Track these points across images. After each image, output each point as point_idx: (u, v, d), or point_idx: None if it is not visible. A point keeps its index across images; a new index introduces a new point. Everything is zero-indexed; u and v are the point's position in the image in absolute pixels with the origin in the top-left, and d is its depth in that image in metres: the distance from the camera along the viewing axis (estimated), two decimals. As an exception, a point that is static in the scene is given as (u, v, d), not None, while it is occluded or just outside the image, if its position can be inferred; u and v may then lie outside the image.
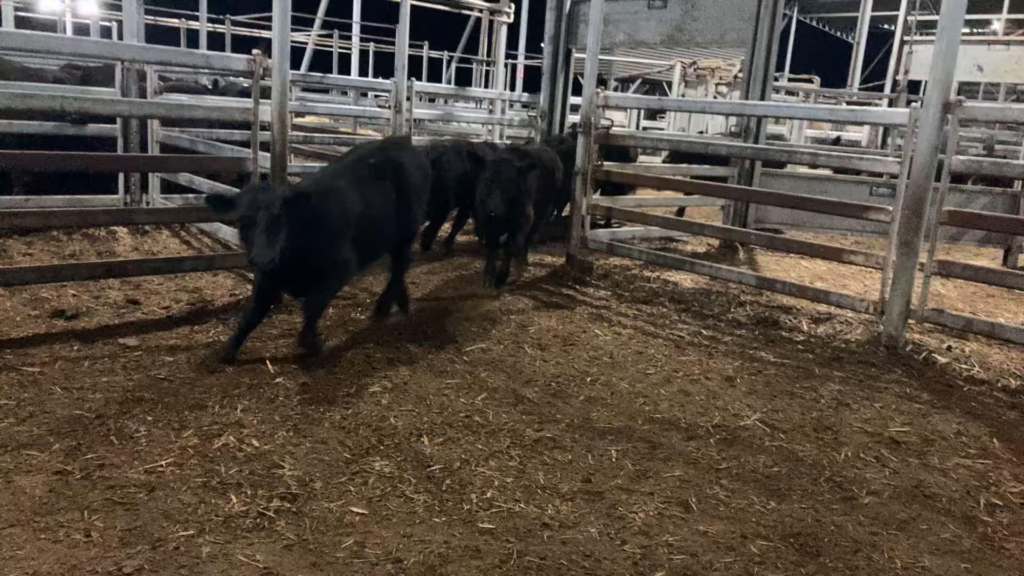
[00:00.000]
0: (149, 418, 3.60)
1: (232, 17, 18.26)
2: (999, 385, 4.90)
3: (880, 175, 8.36)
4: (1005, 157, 10.46)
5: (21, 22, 15.91)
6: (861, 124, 11.83)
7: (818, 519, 3.17)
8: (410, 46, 11.00)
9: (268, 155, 5.55)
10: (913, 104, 5.52)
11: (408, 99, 8.29)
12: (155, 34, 17.13)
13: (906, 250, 5.30)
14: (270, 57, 5.46)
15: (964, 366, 5.15)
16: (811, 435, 3.98)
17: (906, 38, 14.36)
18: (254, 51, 5.50)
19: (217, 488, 3.05)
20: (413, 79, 8.54)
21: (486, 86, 17.63)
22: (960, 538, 3.11)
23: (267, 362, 4.39)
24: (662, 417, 4.08)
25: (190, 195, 7.36)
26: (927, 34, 14.62)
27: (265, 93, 5.54)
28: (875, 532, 3.10)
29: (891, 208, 5.46)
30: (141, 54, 6.35)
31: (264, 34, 16.39)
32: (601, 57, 8.36)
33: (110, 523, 2.78)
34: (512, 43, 18.53)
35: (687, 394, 4.42)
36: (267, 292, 4.54)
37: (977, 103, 8.93)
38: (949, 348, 5.46)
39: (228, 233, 6.42)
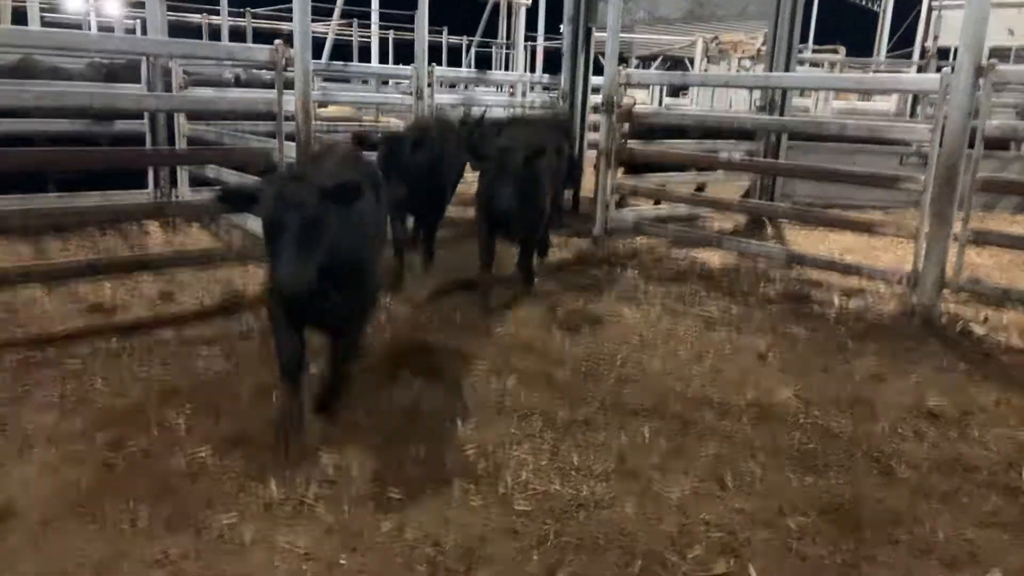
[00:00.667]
0: (188, 409, 3.66)
1: (253, 11, 18.37)
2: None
3: (909, 144, 8.19)
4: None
5: (47, 23, 16.15)
6: (890, 92, 11.57)
7: (856, 493, 3.15)
8: (429, 32, 10.97)
9: (294, 145, 5.58)
10: (944, 70, 5.37)
11: (429, 85, 8.27)
12: (177, 31, 17.27)
13: (939, 219, 5.20)
14: (292, 48, 5.49)
15: (1002, 336, 5.05)
16: (846, 410, 3.94)
17: (934, 3, 14.01)
18: (276, 42, 5.53)
19: (256, 476, 3.11)
20: (434, 65, 8.52)
21: (506, 70, 17.54)
22: (1002, 509, 3.07)
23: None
24: (694, 395, 4.06)
25: (220, 188, 7.43)
26: (956, -2, 14.20)
27: (288, 84, 5.56)
28: (915, 505, 3.07)
29: (922, 177, 5.35)
30: (166, 48, 6.43)
31: (285, 26, 16.41)
32: (622, 36, 8.27)
33: (155, 511, 2.85)
34: (531, 25, 18.42)
35: (719, 371, 4.39)
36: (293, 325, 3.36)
37: (1010, 66, 8.69)
38: (986, 318, 5.35)
39: (256, 225, 6.48)
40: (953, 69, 5.22)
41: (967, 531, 2.89)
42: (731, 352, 4.72)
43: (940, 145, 5.19)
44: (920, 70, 13.01)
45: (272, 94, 5.62)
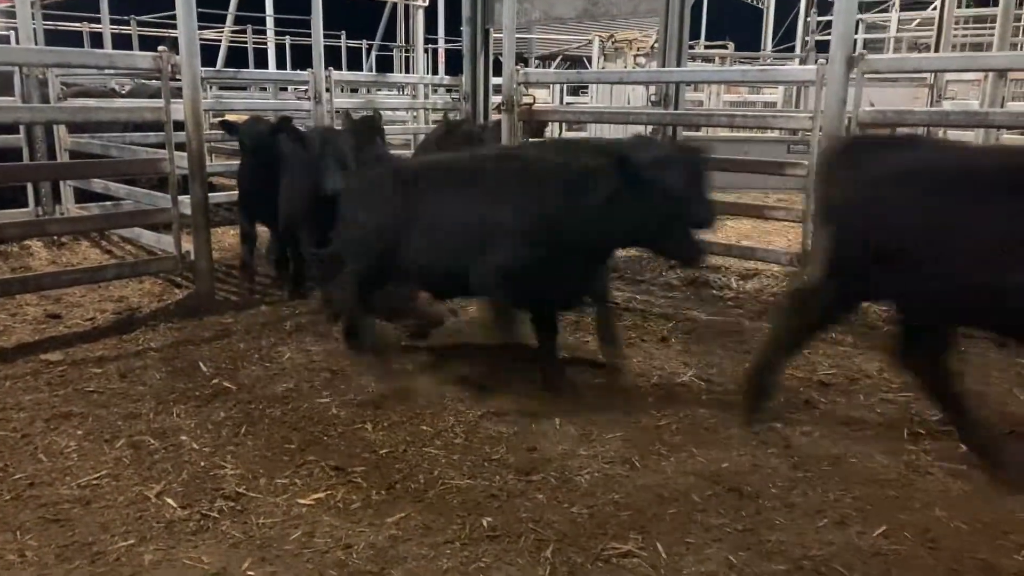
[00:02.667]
0: (79, 432, 3.48)
1: (138, 17, 17.56)
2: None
3: (795, 132, 8.62)
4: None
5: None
6: (772, 84, 12.16)
7: (755, 463, 3.29)
8: (327, 36, 10.75)
9: (185, 155, 5.39)
10: (819, 61, 5.68)
11: (328, 90, 8.13)
12: (58, 40, 16.33)
13: (823, 202, 5.49)
14: (178, 54, 5.29)
15: (883, 307, 5.38)
16: (745, 386, 4.11)
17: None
18: (160, 48, 5.32)
19: (156, 495, 2.98)
20: (331, 69, 8.38)
21: (407, 72, 17.43)
22: (887, 468, 3.27)
23: (201, 364, 4.30)
24: (602, 381, 4.16)
25: (107, 203, 7.09)
26: (832, -6, 15.05)
27: (177, 93, 5.37)
28: (809, 470, 3.24)
29: (806, 163, 5.64)
30: (38, 57, 6.07)
31: (173, 33, 15.82)
32: (520, 35, 8.38)
33: (45, 541, 2.69)
34: (431, 28, 18.35)
35: (625, 357, 4.51)
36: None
37: (879, 56, 9.27)
38: (870, 292, 5.70)
39: (151, 239, 6.23)
40: (828, 60, 5.53)
41: (855, 489, 3.07)
42: (636, 338, 4.85)
43: (820, 131, 5.49)
44: (802, 63, 13.71)
45: (160, 102, 5.40)
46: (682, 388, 4.09)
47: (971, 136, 7.91)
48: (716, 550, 2.69)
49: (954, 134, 8.45)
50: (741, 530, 2.81)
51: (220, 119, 5.82)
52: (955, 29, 12.29)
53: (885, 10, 16.21)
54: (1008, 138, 8.11)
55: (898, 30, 15.07)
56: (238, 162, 6.93)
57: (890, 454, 3.38)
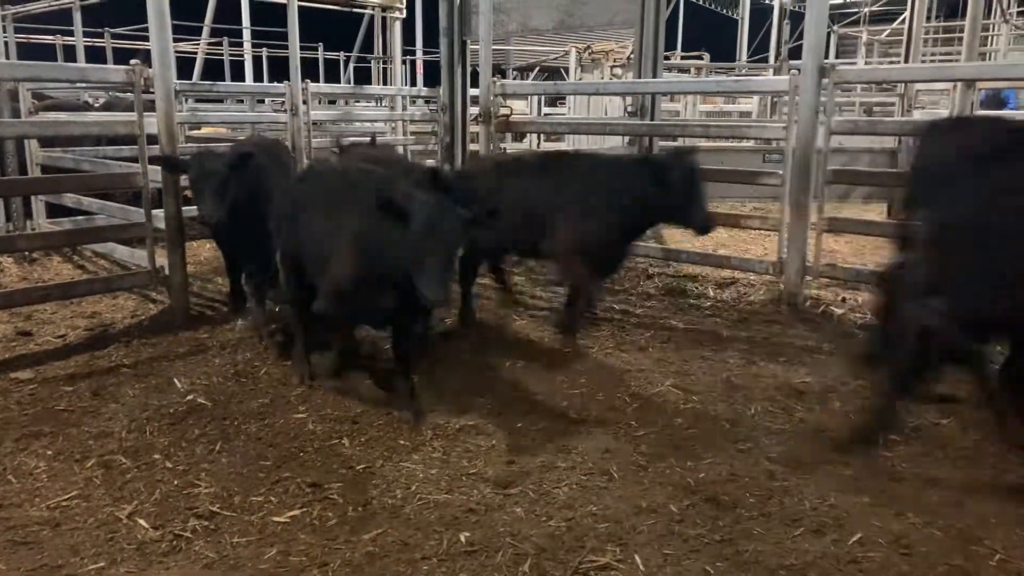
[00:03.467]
0: (49, 452, 3.42)
1: (112, 30, 17.41)
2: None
3: (769, 142, 8.71)
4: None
5: None
6: (747, 93, 12.30)
7: (733, 473, 3.30)
8: (305, 48, 10.70)
9: (159, 168, 5.33)
10: (792, 71, 5.76)
11: (305, 102, 8.10)
12: (31, 53, 16.14)
13: (798, 210, 5.56)
14: (151, 67, 5.25)
15: (857, 314, 5.44)
16: (723, 394, 4.14)
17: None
18: (132, 61, 5.28)
19: (128, 516, 2.93)
20: (308, 81, 8.35)
21: (385, 84, 17.43)
22: (863, 475, 3.29)
23: (176, 380, 4.25)
24: (580, 392, 4.16)
25: (80, 217, 7.00)
26: (802, 5, 15.29)
27: (151, 106, 5.32)
28: (785, 479, 3.25)
29: (781, 172, 5.71)
30: (9, 71, 6.02)
31: (148, 45, 15.69)
32: (497, 47, 8.41)
33: (13, 564, 2.64)
34: (409, 39, 18.36)
35: (603, 367, 4.51)
36: None
37: (850, 66, 9.42)
38: (844, 299, 5.76)
39: (124, 253, 6.16)
40: (800, 71, 5.61)
41: (831, 497, 3.09)
42: (614, 348, 4.86)
43: (794, 141, 5.56)
44: (776, 73, 13.87)
45: (133, 116, 5.34)
46: (660, 398, 4.10)
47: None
48: (694, 561, 2.70)
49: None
50: (719, 540, 2.81)
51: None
52: (926, 39, 12.53)
53: (856, 22, 16.48)
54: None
55: (867, 42, 15.33)
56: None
57: (865, 462, 3.40)
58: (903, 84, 9.57)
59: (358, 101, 14.16)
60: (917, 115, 9.41)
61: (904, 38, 9.86)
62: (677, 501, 3.08)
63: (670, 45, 17.96)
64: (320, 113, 9.52)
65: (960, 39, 9.55)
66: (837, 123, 5.67)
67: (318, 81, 17.28)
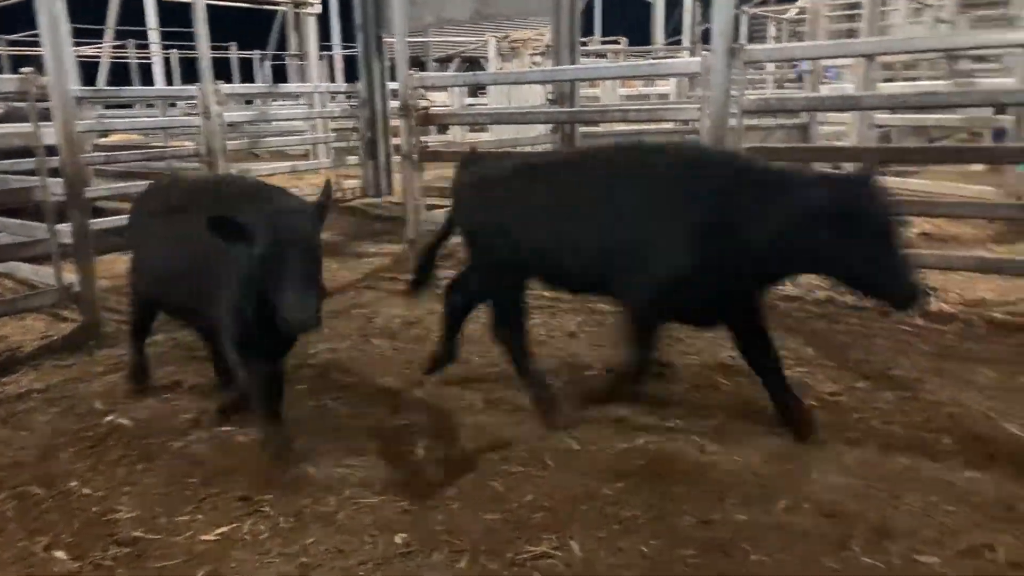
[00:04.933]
0: (-51, 489, 3.23)
1: (7, 37, 16.52)
2: (809, 299, 5.38)
3: (687, 123, 8.89)
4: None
5: None
6: (662, 76, 12.52)
7: (663, 449, 3.37)
8: (216, 48, 10.39)
9: (60, 181, 5.08)
10: (703, 52, 5.87)
11: (218, 104, 7.85)
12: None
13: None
14: (45, 74, 4.99)
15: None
16: (651, 374, 4.20)
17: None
18: (23, 69, 5.01)
19: (44, 549, 2.80)
20: (220, 82, 8.10)
21: (303, 81, 17.06)
22: (786, 442, 3.40)
23: (94, 402, 4.07)
24: (511, 380, 4.16)
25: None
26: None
27: (48, 115, 5.06)
28: (714, 451, 3.34)
29: (698, 152, 5.81)
30: None
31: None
32: (415, 39, 8.30)
33: (-84, 612, 2.49)
34: (326, 35, 17.99)
35: (534, 355, 4.52)
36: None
37: (757, 46, 9.66)
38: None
39: (28, 272, 5.86)
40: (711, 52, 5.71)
41: (757, 467, 3.18)
42: (546, 335, 4.89)
43: (708, 120, 5.67)
44: (692, 55, 14.15)
45: (29, 126, 5.07)
46: (592, 381, 4.14)
47: (848, 118, 8.36)
48: (629, 543, 2.73)
49: (833, 117, 8.91)
50: (652, 519, 2.86)
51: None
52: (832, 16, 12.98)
53: (764, 2, 16.94)
54: (881, 118, 8.61)
55: (778, 21, 15.80)
56: (124, 184, 6.62)
57: (788, 432, 3.51)
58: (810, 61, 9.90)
59: (274, 100, 13.82)
60: (824, 90, 9.75)
61: (808, 16, 10.19)
62: (610, 483, 3.11)
63: (589, 31, 18.12)
64: (235, 114, 9.24)
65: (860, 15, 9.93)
66: (748, 102, 5.82)
67: (232, 82, 16.80)
